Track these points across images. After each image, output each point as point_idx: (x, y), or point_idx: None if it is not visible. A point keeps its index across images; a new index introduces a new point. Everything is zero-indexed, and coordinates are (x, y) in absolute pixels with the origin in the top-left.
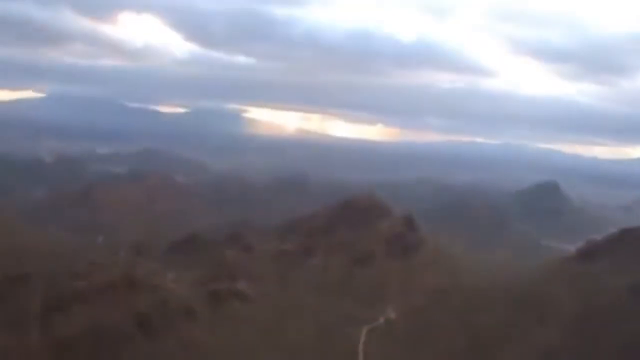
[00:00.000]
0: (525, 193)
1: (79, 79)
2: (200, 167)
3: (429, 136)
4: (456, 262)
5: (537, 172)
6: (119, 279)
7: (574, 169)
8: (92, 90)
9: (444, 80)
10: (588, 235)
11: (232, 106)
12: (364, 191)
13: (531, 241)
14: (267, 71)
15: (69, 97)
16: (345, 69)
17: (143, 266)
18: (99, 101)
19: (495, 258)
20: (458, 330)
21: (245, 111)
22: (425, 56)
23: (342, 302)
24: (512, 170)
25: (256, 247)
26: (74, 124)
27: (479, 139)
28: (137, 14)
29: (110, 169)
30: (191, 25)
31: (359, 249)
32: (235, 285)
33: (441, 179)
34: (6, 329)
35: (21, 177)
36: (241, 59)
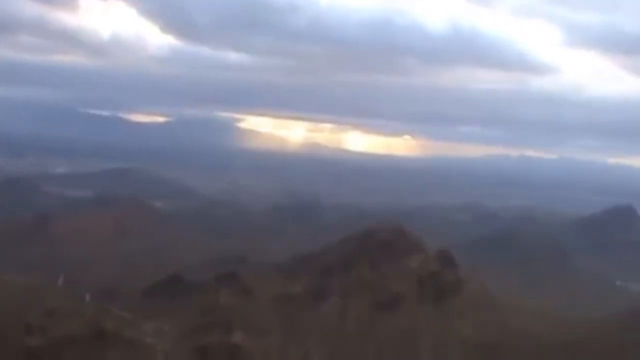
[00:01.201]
0: (592, 220)
1: (28, 80)
2: (185, 191)
3: (468, 150)
4: (506, 309)
5: (606, 193)
6: (84, 331)
7: None
8: (45, 94)
9: (486, 79)
10: None
11: (224, 114)
12: (389, 220)
13: (602, 282)
14: (265, 71)
15: (14, 102)
16: (362, 67)
17: (114, 315)
18: (54, 108)
19: (556, 303)
20: None
21: (239, 120)
22: (461, 50)
23: (363, 357)
24: (574, 192)
25: (256, 289)
26: (22, 137)
27: (530, 153)
28: None
29: (71, 193)
30: (170, 14)
31: (383, 291)
32: (230, 337)
33: (485, 203)
34: None
35: None
36: (233, 56)
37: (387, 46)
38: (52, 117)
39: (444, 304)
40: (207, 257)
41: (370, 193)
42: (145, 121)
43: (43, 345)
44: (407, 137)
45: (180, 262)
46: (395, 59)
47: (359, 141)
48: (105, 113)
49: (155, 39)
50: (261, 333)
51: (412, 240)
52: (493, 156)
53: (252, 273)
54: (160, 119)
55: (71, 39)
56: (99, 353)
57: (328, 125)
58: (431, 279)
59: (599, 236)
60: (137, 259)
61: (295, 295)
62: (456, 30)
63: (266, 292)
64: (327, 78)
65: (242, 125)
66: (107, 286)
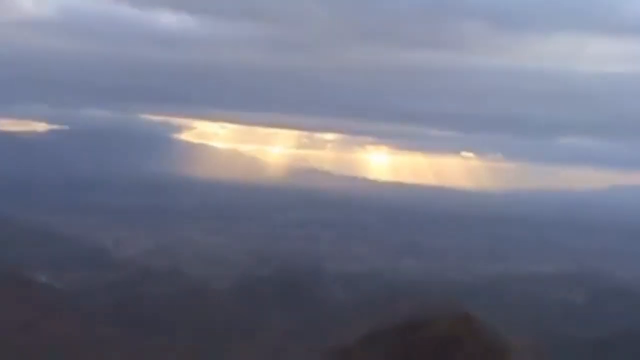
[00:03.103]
0: None
1: None
2: (92, 253)
3: (578, 178)
4: None
5: None
6: None
7: None
8: None
9: (607, 56)
10: None
11: (154, 118)
12: (445, 301)
13: None
14: (225, 45)
15: None
16: (392, 39)
17: None
18: None
19: None
20: None
21: (181, 128)
22: (561, 8)
23: None
24: None
25: None
26: None
27: None
28: None
29: None
30: None
31: None
32: None
33: (610, 271)
34: None
35: None
36: (168, 19)
37: (436, 4)
38: None
39: None
40: None
41: (408, 252)
42: (17, 131)
43: None
44: (467, 155)
45: None
46: (450, 24)
47: (386, 163)
48: None
49: None
50: None
51: (486, 338)
52: (624, 188)
53: None
54: (42, 127)
55: None
56: None
57: (331, 137)
58: None
59: None
60: None
61: None
62: None
63: None
64: (331, 58)
65: (186, 136)
66: None
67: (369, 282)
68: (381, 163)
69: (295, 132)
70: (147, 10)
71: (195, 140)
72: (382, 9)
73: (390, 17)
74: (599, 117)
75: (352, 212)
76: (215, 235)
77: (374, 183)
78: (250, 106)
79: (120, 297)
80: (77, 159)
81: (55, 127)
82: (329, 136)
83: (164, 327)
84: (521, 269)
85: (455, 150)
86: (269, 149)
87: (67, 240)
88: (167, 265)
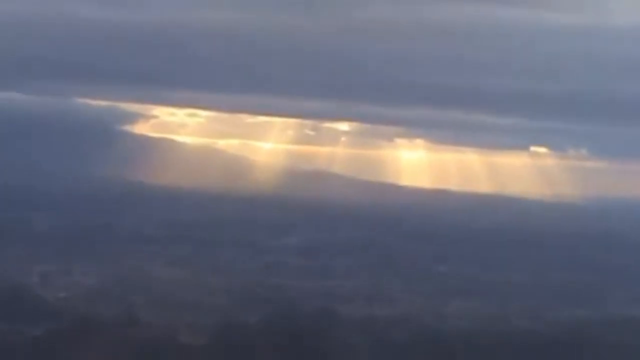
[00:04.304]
0: None
1: None
2: (10, 292)
3: None
4: None
5: None
6: None
7: None
8: None
9: None
10: None
11: (100, 104)
12: None
13: None
14: (197, 2)
15: None
16: None
17: None
18: None
19: None
20: None
21: (136, 117)
22: None
23: None
24: None
25: None
26: None
27: None
28: None
29: None
30: None
31: None
32: None
33: None
34: None
35: None
36: None
37: None
38: None
39: None
40: None
41: (457, 289)
42: None
43: None
44: (539, 150)
45: None
46: None
47: (422, 163)
48: None
49: None
50: None
51: None
52: None
53: None
54: None
55: None
56: None
57: (345, 127)
58: None
59: None
60: None
61: None
62: None
63: None
64: (344, 17)
65: (142, 128)
66: None
67: (401, 331)
68: (416, 163)
69: (295, 121)
70: None
71: (155, 134)
72: None
73: None
74: None
75: (376, 232)
76: (183, 268)
77: (407, 191)
78: (232, 85)
79: (49, 357)
80: None
81: None
82: (342, 126)
83: None
84: (618, 312)
85: (521, 144)
86: (258, 145)
87: None
88: (116, 311)
